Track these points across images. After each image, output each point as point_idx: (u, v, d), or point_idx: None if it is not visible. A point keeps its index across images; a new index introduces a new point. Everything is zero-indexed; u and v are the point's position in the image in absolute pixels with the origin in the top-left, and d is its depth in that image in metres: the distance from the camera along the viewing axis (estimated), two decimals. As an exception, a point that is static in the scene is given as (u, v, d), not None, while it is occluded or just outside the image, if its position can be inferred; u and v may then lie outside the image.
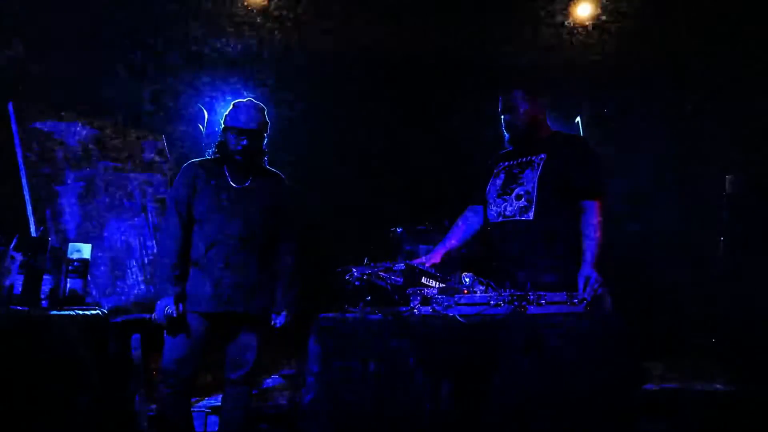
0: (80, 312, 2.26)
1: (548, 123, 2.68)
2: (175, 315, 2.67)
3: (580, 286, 2.29)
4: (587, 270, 2.32)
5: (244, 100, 2.88)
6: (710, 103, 4.68)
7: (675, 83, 4.77)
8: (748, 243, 4.24)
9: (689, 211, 4.63)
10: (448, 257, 2.70)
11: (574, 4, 4.65)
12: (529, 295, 2.16)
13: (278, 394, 4.04)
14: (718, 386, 3.69)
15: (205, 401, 3.67)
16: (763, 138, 4.38)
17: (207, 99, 4.73)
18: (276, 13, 4.71)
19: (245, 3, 4.66)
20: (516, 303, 2.15)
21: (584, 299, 2.16)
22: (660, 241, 4.55)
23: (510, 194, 2.56)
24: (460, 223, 2.78)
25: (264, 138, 2.91)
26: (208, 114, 4.55)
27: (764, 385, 3.54)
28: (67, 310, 2.28)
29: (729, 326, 4.29)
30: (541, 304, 2.15)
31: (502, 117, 2.65)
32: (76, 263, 2.49)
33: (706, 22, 4.47)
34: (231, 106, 2.86)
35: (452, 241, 2.74)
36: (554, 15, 4.67)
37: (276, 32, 4.80)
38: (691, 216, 4.61)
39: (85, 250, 2.53)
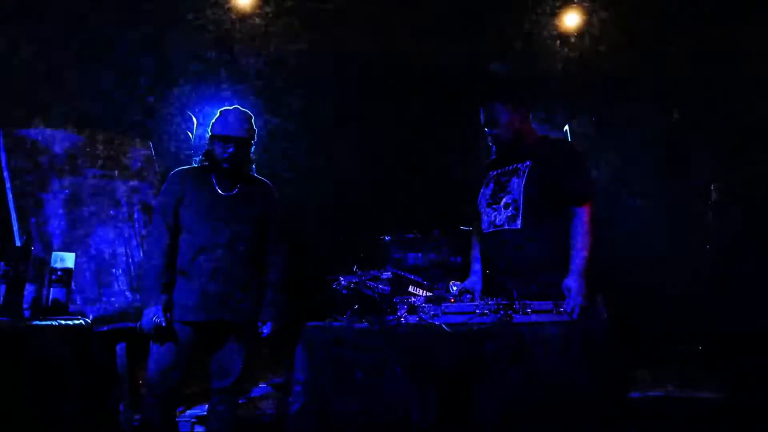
0: (63, 322, 2.24)
1: (534, 128, 2.67)
2: (163, 324, 2.64)
3: (566, 295, 2.29)
4: (571, 280, 2.31)
5: (231, 107, 2.87)
6: (696, 111, 4.73)
7: (661, 92, 4.82)
8: (733, 250, 4.28)
9: (675, 219, 4.65)
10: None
11: (560, 13, 4.69)
12: (515, 304, 2.17)
13: (266, 403, 4.01)
14: (704, 394, 3.70)
15: (192, 411, 3.64)
16: (748, 146, 4.42)
17: (196, 106, 4.71)
18: (265, 21, 4.71)
19: (234, 11, 4.66)
20: (502, 312, 2.16)
21: (567, 312, 2.17)
22: (646, 249, 4.57)
23: (499, 203, 2.55)
24: (476, 252, 2.75)
25: (251, 146, 2.90)
26: (197, 121, 4.54)
27: (750, 393, 3.56)
28: (50, 319, 2.25)
29: (715, 333, 4.31)
30: (527, 313, 2.16)
31: (486, 130, 2.65)
32: (59, 272, 2.46)
33: (692, 31, 4.52)
34: (218, 114, 2.86)
35: (480, 265, 2.73)
36: (540, 24, 4.71)
37: (265, 41, 4.80)
38: (677, 224, 4.64)
39: (69, 259, 2.50)
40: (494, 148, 2.68)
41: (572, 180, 2.48)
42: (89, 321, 2.36)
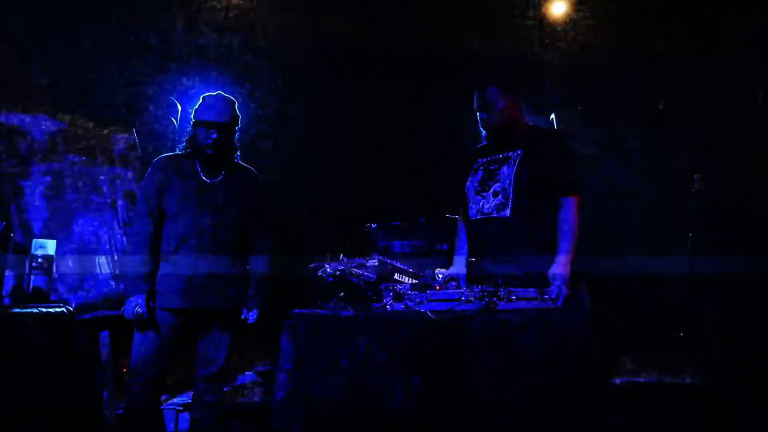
0: (43, 310, 2.20)
1: (525, 117, 2.66)
2: (145, 314, 2.62)
3: (551, 283, 2.30)
4: (556, 269, 2.32)
5: (214, 93, 2.83)
6: (679, 101, 4.75)
7: (645, 82, 4.83)
8: (715, 239, 4.32)
9: (658, 208, 4.69)
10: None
11: (548, 2, 4.68)
12: (500, 291, 2.17)
13: (252, 390, 4.00)
14: (686, 380, 3.75)
15: (177, 398, 3.63)
16: (730, 136, 4.46)
17: (181, 92, 4.65)
18: (250, 7, 4.65)
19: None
20: (487, 299, 2.17)
21: (552, 299, 2.18)
22: (629, 238, 4.60)
23: (487, 191, 2.54)
24: (461, 239, 2.74)
25: (235, 132, 2.86)
26: (182, 107, 4.48)
27: (731, 380, 3.61)
28: (31, 307, 2.22)
29: (697, 321, 4.36)
30: (511, 300, 2.17)
31: (478, 114, 2.64)
32: (40, 260, 2.43)
33: (677, 22, 4.53)
34: (200, 100, 2.82)
35: (465, 252, 2.72)
36: (528, 12, 4.69)
37: (251, 26, 4.74)
38: (660, 213, 4.68)
39: (50, 247, 2.47)
40: (484, 134, 2.67)
41: (563, 170, 2.48)
42: (71, 309, 2.34)
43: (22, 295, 2.36)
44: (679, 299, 4.46)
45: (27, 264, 2.41)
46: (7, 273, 2.32)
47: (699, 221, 4.45)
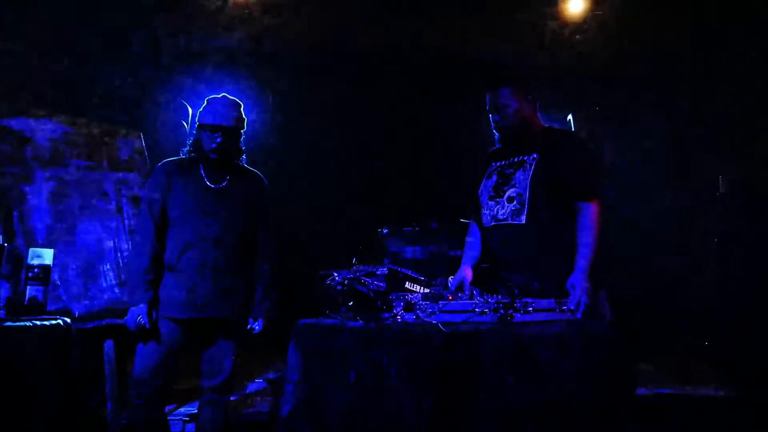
0: (38, 323, 2.12)
1: (539, 118, 2.56)
2: (147, 325, 2.56)
3: (570, 293, 2.18)
4: (575, 278, 2.21)
5: (219, 95, 2.76)
6: (704, 103, 4.62)
7: (668, 83, 4.71)
8: (741, 243, 4.18)
9: (683, 212, 4.57)
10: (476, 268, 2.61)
11: (566, 1, 4.56)
12: (516, 303, 2.06)
13: (261, 399, 3.93)
14: (710, 390, 3.63)
15: (184, 408, 3.56)
16: (755, 138, 4.32)
17: (190, 95, 4.60)
18: (259, 9, 4.59)
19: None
20: (502, 311, 2.05)
21: (571, 310, 2.08)
22: (654, 242, 4.48)
23: (502, 196, 2.45)
24: (471, 239, 2.65)
25: (240, 135, 2.80)
26: (192, 111, 4.41)
27: (757, 389, 3.48)
28: (26, 319, 2.14)
29: (722, 328, 4.23)
30: (528, 312, 2.07)
31: (491, 116, 2.53)
32: (36, 269, 2.35)
33: (699, 22, 4.41)
34: (205, 103, 2.76)
35: (474, 253, 2.62)
36: (546, 12, 4.58)
37: (260, 30, 4.69)
38: (685, 217, 4.55)
39: (47, 256, 2.39)
40: (497, 137, 2.57)
41: (581, 175, 2.38)
42: (68, 321, 2.25)
43: (19, 306, 2.28)
44: (704, 306, 4.33)
45: (23, 274, 2.33)
46: (2, 283, 2.25)
47: (725, 224, 4.32)
